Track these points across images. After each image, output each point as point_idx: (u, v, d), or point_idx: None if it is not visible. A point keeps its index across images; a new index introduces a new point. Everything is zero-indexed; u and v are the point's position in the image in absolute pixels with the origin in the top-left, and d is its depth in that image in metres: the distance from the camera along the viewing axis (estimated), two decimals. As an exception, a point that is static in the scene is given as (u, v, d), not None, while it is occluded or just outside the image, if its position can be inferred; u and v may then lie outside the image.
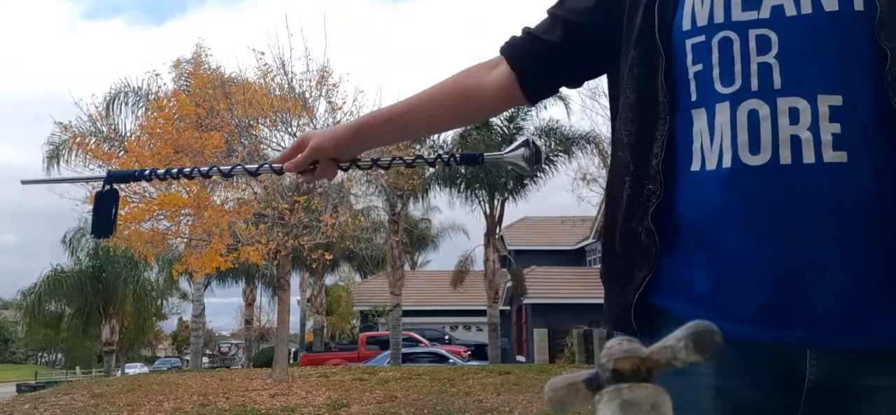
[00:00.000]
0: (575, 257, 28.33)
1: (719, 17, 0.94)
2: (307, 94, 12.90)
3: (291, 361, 20.49)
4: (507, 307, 26.66)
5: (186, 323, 37.60)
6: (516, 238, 27.80)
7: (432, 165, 1.31)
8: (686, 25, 0.96)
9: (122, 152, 13.92)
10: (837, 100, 0.87)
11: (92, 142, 15.32)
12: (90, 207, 13.18)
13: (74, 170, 14.90)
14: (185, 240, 12.91)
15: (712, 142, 0.93)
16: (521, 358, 24.87)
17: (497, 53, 1.21)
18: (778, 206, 0.88)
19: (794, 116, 0.88)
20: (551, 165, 18.40)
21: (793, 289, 0.88)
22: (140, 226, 12.29)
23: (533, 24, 1.19)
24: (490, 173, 17.91)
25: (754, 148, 0.89)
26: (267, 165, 1.25)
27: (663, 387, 0.45)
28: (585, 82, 1.23)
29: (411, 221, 26.44)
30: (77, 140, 15.32)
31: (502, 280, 22.39)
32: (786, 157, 0.88)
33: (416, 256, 34.01)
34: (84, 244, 24.41)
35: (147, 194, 12.44)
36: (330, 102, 13.09)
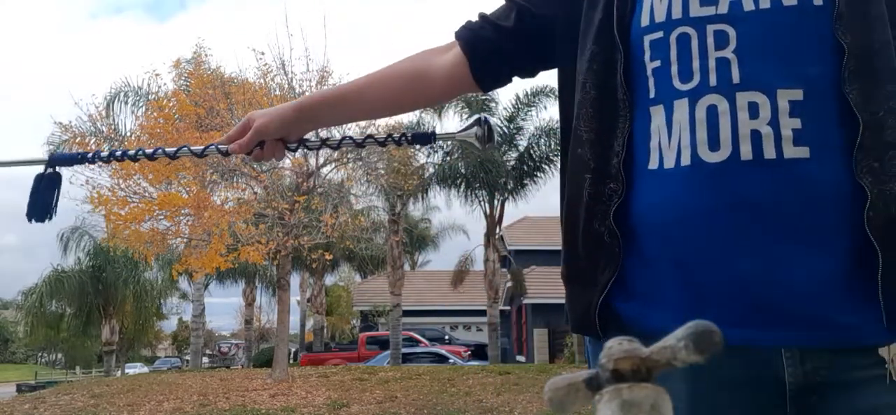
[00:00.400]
0: (575, 257, 28.26)
1: (677, 13, 0.92)
2: (307, 95, 12.89)
3: (291, 361, 20.49)
4: (507, 307, 26.66)
5: (186, 323, 37.58)
6: (516, 238, 27.78)
7: (383, 145, 1.28)
8: (644, 21, 0.95)
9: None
10: (798, 94, 0.87)
11: (92, 142, 15.33)
12: (90, 208, 13.20)
13: (74, 169, 14.86)
14: (185, 240, 12.90)
15: (670, 139, 0.91)
16: (521, 358, 24.87)
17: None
18: (740, 202, 0.87)
19: (753, 110, 0.87)
20: (551, 165, 18.40)
21: (759, 287, 0.87)
22: (140, 226, 12.29)
23: (489, 11, 1.17)
24: (490, 173, 17.91)
25: (714, 144, 0.88)
26: (213, 146, 1.22)
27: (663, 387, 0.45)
28: (538, 73, 1.19)
29: (411, 221, 26.45)
30: (77, 140, 15.32)
31: (502, 280, 22.38)
32: (746, 152, 0.86)
33: (416, 256, 34.01)
34: (84, 244, 24.42)
35: (147, 194, 12.45)
36: (330, 102, 13.08)
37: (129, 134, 16.12)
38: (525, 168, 18.71)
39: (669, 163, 0.91)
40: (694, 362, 0.43)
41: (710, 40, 0.90)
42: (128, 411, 9.89)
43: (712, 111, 0.89)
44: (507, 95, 35.67)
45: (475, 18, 1.17)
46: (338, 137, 1.32)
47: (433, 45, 1.20)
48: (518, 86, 20.69)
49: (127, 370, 29.91)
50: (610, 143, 0.96)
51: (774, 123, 0.86)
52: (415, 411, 9.42)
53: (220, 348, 37.02)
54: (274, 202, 12.51)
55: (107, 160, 1.24)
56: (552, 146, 18.18)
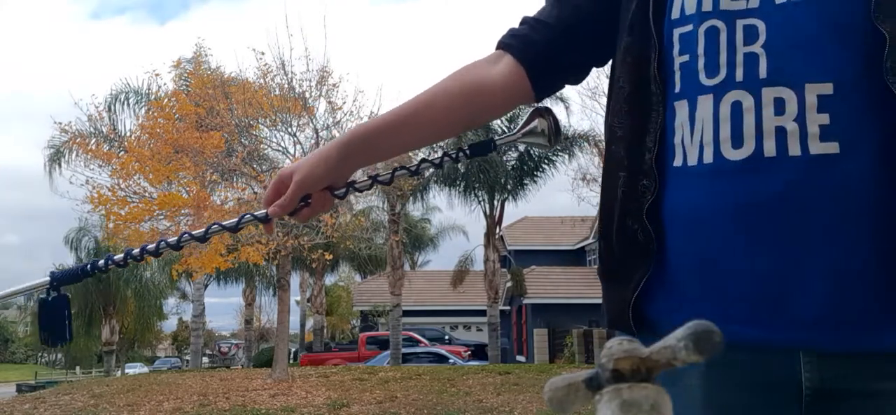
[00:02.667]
0: (575, 257, 28.33)
1: (708, 6, 0.90)
2: (307, 94, 12.91)
3: (291, 361, 20.49)
4: (507, 307, 26.66)
5: (186, 323, 37.58)
6: (516, 238, 27.81)
7: (439, 166, 1.13)
8: (675, 14, 0.93)
9: (122, 152, 13.93)
10: (827, 88, 0.83)
11: (92, 142, 15.34)
12: (87, 212, 13.17)
13: (74, 170, 14.87)
14: (185, 240, 12.89)
15: (693, 136, 0.90)
16: (521, 358, 24.88)
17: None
18: (761, 200, 0.85)
19: (779, 106, 0.85)
20: (551, 165, 18.41)
21: (781, 287, 0.84)
22: (140, 226, 12.30)
23: (533, 12, 1.13)
24: (489, 173, 17.92)
25: (736, 142, 0.86)
26: (249, 216, 1.06)
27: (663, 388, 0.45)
28: (590, 72, 1.14)
29: (411, 221, 26.45)
30: (77, 141, 15.34)
31: (502, 280, 22.39)
32: (770, 149, 0.84)
33: (416, 256, 33.99)
34: (85, 244, 24.44)
35: (147, 194, 12.45)
36: (330, 102, 13.10)
37: (129, 134, 16.12)
38: (525, 168, 18.72)
39: (693, 160, 0.90)
40: (694, 362, 0.42)
41: (739, 35, 0.88)
42: (128, 411, 9.89)
43: (737, 107, 0.87)
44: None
45: (517, 24, 1.12)
46: (382, 170, 1.16)
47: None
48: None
49: (127, 370, 29.92)
50: (642, 139, 0.94)
51: (801, 118, 0.83)
52: (415, 411, 9.42)
53: (220, 348, 37.06)
54: (274, 202, 12.50)
55: (121, 264, 1.07)
56: (552, 146, 18.17)
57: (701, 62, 0.90)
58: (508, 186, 18.99)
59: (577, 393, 0.46)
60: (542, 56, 1.07)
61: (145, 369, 31.85)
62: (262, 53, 18.58)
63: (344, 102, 13.21)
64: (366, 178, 1.10)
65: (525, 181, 18.80)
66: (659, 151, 0.93)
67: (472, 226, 27.67)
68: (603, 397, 0.44)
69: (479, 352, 22.43)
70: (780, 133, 0.84)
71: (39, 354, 52.02)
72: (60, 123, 15.20)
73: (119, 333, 26.76)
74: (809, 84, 0.84)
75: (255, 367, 22.36)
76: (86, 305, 25.67)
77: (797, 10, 0.86)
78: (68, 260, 25.47)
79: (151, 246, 1.06)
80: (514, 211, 35.86)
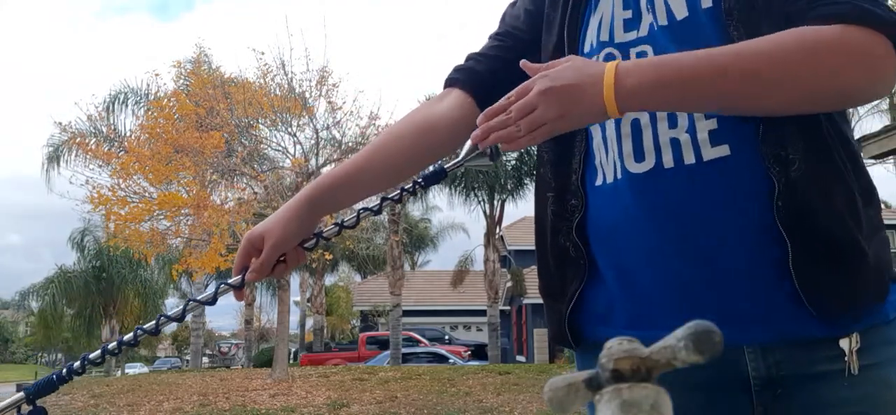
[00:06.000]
0: (575, 257, 28.26)
1: (605, 36, 0.99)
2: (307, 94, 12.91)
3: (291, 361, 20.49)
4: (507, 307, 26.65)
5: (186, 323, 37.59)
6: (516, 238, 27.78)
7: (399, 202, 1.16)
8: (586, 47, 1.01)
9: (122, 152, 13.93)
10: None
11: (92, 142, 15.34)
12: (88, 212, 13.16)
13: (74, 170, 14.87)
14: (184, 240, 12.91)
15: (607, 155, 0.97)
16: (521, 358, 24.87)
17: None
18: (667, 209, 0.91)
19: (672, 120, 0.91)
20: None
21: (692, 287, 0.89)
22: (140, 226, 12.29)
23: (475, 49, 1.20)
24: (488, 174, 17.92)
25: (639, 156, 0.93)
26: (223, 284, 1.04)
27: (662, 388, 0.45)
28: None
29: (411, 221, 26.45)
30: (77, 140, 15.34)
31: (502, 280, 22.38)
32: (668, 161, 0.91)
33: (416, 256, 34.00)
34: (87, 243, 24.45)
35: (147, 194, 12.45)
36: (330, 102, 13.11)
37: (129, 134, 16.12)
38: (525, 168, 18.71)
39: (610, 177, 0.97)
40: (694, 362, 0.43)
41: (632, 58, 0.95)
42: (128, 411, 9.89)
43: (635, 124, 0.93)
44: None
45: (461, 61, 1.19)
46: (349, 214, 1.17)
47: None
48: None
49: (127, 370, 29.91)
50: (568, 161, 1.01)
51: (691, 128, 0.90)
52: (415, 411, 9.42)
53: (220, 348, 37.04)
54: (274, 202, 12.50)
55: (98, 362, 1.01)
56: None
57: None
58: (508, 186, 18.99)
59: (577, 393, 0.46)
60: (487, 84, 1.13)
61: (145, 369, 31.85)
62: (263, 53, 18.60)
63: (344, 102, 13.23)
64: (332, 225, 1.12)
65: (525, 181, 18.79)
66: (584, 172, 1.00)
67: (472, 226, 27.70)
68: (603, 397, 0.44)
69: (479, 352, 22.41)
70: (675, 144, 0.91)
71: (39, 354, 52.02)
72: (60, 123, 15.20)
73: (119, 333, 26.75)
74: None
75: (255, 367, 22.35)
76: (86, 305, 25.66)
77: (672, 31, 0.94)
78: (71, 259, 25.50)
79: (129, 336, 1.02)
80: (514, 211, 35.94)
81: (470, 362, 18.92)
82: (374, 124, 13.30)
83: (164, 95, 14.47)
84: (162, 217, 12.46)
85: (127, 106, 17.60)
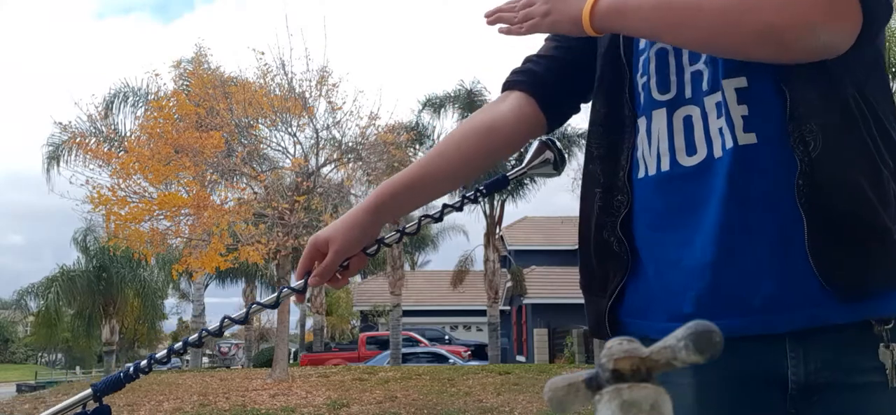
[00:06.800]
0: (575, 257, 28.05)
1: None
2: (307, 94, 12.91)
3: (291, 361, 20.49)
4: (507, 307, 26.66)
5: (186, 323, 37.57)
6: (516, 238, 27.78)
7: (460, 209, 1.18)
8: (641, 43, 1.02)
9: (122, 152, 13.92)
10: (743, 82, 0.91)
11: (92, 142, 15.33)
12: (88, 212, 13.16)
13: (74, 170, 14.87)
14: (184, 240, 12.90)
15: (651, 147, 0.98)
16: (521, 358, 24.87)
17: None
18: (708, 201, 0.92)
19: (719, 110, 0.93)
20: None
21: (736, 276, 0.90)
22: (140, 226, 12.29)
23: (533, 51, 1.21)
24: (488, 174, 17.91)
25: (690, 149, 0.95)
26: (285, 289, 1.07)
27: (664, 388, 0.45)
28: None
29: (411, 220, 26.39)
30: (77, 140, 15.33)
31: (502, 280, 22.39)
32: (718, 150, 0.92)
33: (416, 256, 34.00)
34: (88, 243, 24.45)
35: (147, 194, 12.45)
36: (330, 102, 13.11)
37: (129, 134, 16.12)
38: (525, 168, 18.70)
39: (651, 169, 0.98)
40: (694, 362, 0.43)
41: (685, 57, 0.97)
42: (128, 411, 9.89)
43: (688, 121, 0.95)
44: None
45: (519, 63, 1.19)
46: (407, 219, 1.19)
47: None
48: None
49: (127, 370, 29.85)
50: (617, 157, 1.02)
51: (728, 118, 0.91)
52: (415, 411, 9.42)
53: (220, 348, 37.01)
54: (274, 202, 12.51)
55: (164, 362, 1.05)
56: (552, 146, 18.17)
57: (653, 80, 0.99)
58: (508, 186, 18.99)
59: (577, 393, 0.46)
60: (549, 85, 1.15)
61: (145, 369, 31.80)
62: (263, 53, 18.58)
63: (344, 102, 13.23)
64: (394, 232, 1.14)
65: (525, 181, 18.78)
66: (631, 168, 1.01)
67: (472, 226, 27.72)
68: (603, 397, 0.44)
69: (479, 352, 22.41)
70: (721, 134, 0.92)
71: (39, 354, 52.01)
72: (60, 123, 15.19)
73: (119, 333, 26.74)
74: (726, 80, 0.92)
75: (255, 367, 22.36)
76: (86, 305, 25.65)
77: None
78: (71, 259, 25.48)
79: (194, 337, 1.05)
80: (514, 211, 35.94)
81: (470, 362, 18.92)
82: (374, 124, 13.31)
83: (163, 95, 14.45)
84: (162, 217, 12.45)
85: (127, 106, 17.60)
